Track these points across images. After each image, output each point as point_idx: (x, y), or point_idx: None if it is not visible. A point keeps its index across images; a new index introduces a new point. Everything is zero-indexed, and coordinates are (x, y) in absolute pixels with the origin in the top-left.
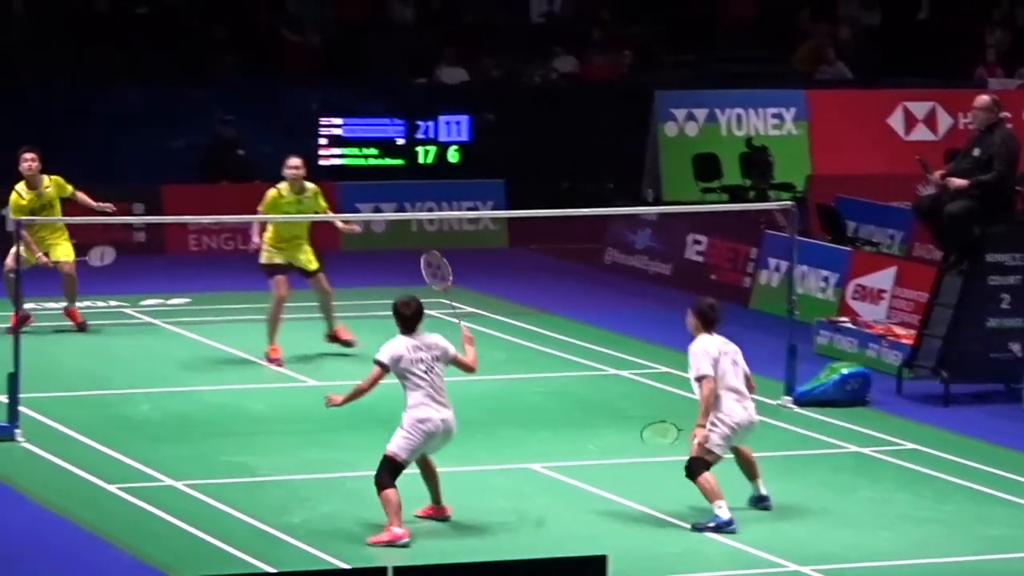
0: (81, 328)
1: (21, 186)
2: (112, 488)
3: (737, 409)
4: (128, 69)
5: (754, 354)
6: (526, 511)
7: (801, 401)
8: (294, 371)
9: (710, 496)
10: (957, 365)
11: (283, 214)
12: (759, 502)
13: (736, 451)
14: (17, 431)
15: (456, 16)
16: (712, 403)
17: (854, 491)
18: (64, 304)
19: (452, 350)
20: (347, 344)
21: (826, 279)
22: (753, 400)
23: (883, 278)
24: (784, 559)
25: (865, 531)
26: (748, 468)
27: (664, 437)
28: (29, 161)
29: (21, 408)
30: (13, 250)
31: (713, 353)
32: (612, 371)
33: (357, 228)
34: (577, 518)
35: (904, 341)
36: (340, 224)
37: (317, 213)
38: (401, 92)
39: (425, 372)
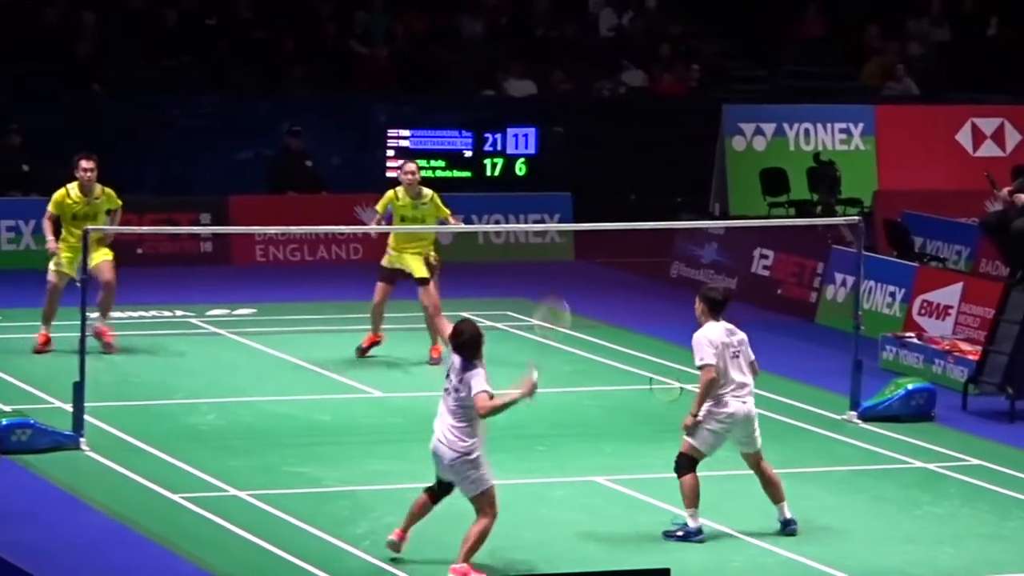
0: (107, 350)
1: (73, 187)
2: (176, 498)
3: (731, 402)
4: (196, 81)
5: (819, 369)
6: (588, 523)
7: (866, 416)
8: (359, 382)
9: (685, 501)
10: (1023, 381)
11: (400, 218)
12: (785, 527)
13: (760, 473)
14: (82, 440)
15: (525, 29)
16: (709, 392)
17: (918, 506)
18: (96, 316)
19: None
20: (433, 363)
21: (892, 294)
22: (752, 393)
23: (949, 294)
24: (846, 573)
25: (929, 547)
26: (772, 491)
27: (667, 396)
28: (88, 171)
29: (86, 417)
30: (53, 267)
31: (715, 341)
32: (677, 385)
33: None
34: (641, 531)
35: (970, 357)
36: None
37: (438, 219)
38: (469, 104)
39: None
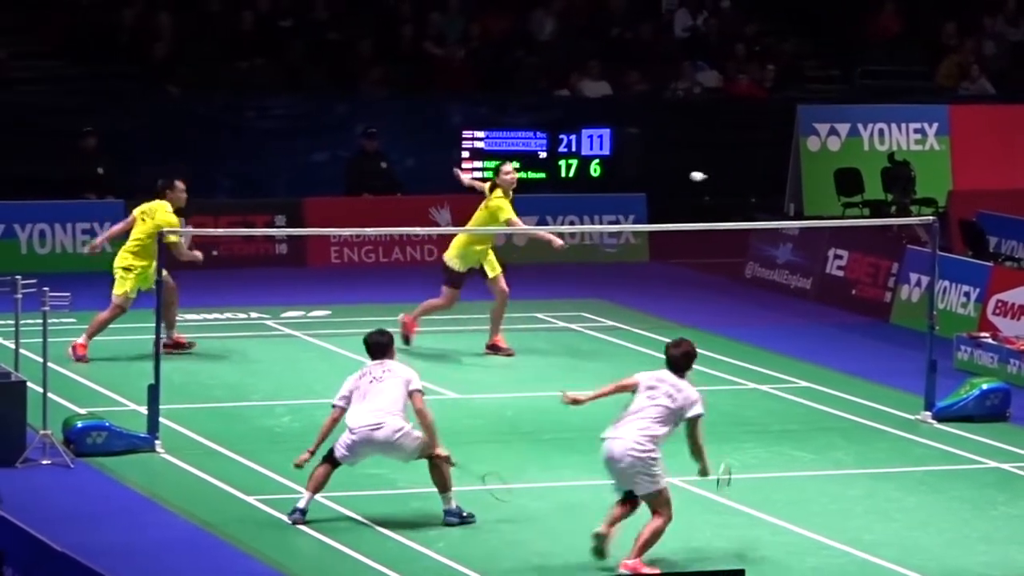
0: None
1: (169, 207)
2: (251, 500)
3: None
4: (272, 83)
5: (894, 368)
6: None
7: (941, 416)
8: (433, 383)
9: None
10: None
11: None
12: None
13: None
14: (157, 442)
15: (600, 30)
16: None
17: (993, 507)
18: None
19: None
20: (506, 354)
21: (967, 294)
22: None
23: None
24: (920, 573)
25: (1004, 547)
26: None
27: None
28: (184, 192)
29: (161, 419)
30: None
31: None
32: (752, 385)
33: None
34: (717, 532)
35: None
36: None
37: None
38: (544, 105)
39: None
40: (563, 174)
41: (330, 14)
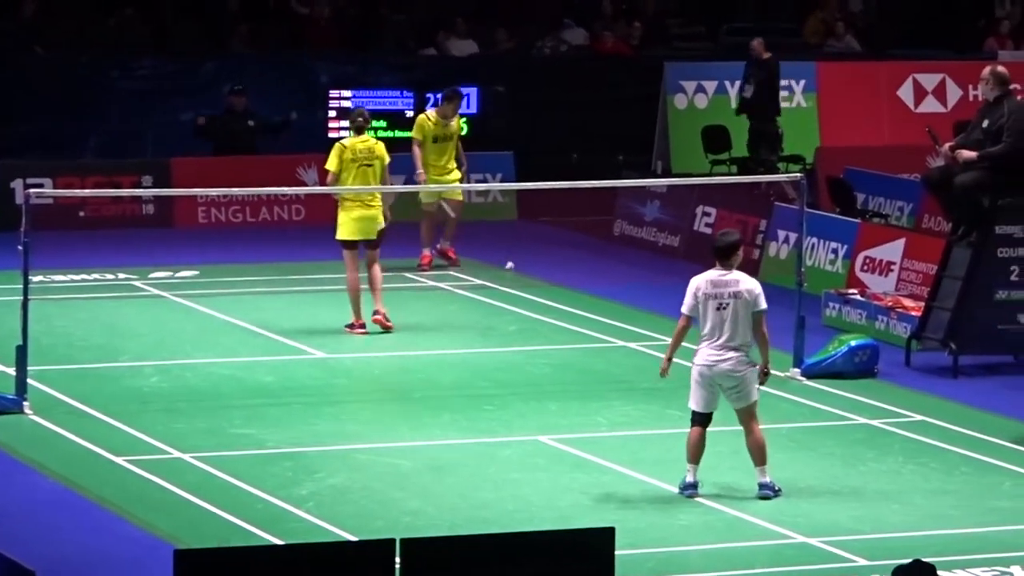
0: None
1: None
2: (120, 460)
3: (704, 354)
4: (140, 42)
5: None
6: (535, 482)
7: (809, 373)
8: (302, 343)
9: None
10: (966, 337)
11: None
12: (760, 489)
13: (746, 432)
14: (25, 403)
15: None
16: (677, 339)
17: (863, 463)
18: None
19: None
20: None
21: (835, 251)
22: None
23: (892, 250)
24: (792, 531)
25: (874, 503)
26: (754, 454)
27: None
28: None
29: (29, 381)
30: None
31: (699, 289)
32: (621, 343)
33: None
34: (585, 490)
35: (913, 313)
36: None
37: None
38: (410, 64)
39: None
40: None
41: None
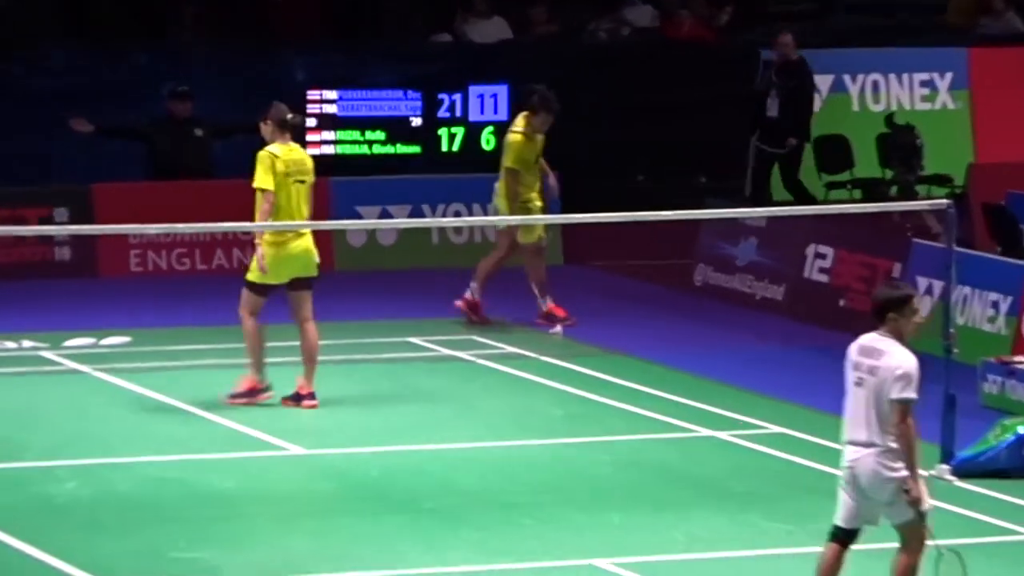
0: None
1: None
2: None
3: (847, 452)
4: (50, 30)
5: None
6: None
7: (963, 471)
8: (274, 435)
9: None
10: None
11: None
12: None
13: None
14: None
15: None
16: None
17: None
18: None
19: None
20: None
21: (995, 304)
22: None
23: None
24: None
25: None
26: None
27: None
28: None
29: None
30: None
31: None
32: (706, 432)
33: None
34: None
35: None
36: None
37: None
38: (417, 56)
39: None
40: (444, 147)
41: None
